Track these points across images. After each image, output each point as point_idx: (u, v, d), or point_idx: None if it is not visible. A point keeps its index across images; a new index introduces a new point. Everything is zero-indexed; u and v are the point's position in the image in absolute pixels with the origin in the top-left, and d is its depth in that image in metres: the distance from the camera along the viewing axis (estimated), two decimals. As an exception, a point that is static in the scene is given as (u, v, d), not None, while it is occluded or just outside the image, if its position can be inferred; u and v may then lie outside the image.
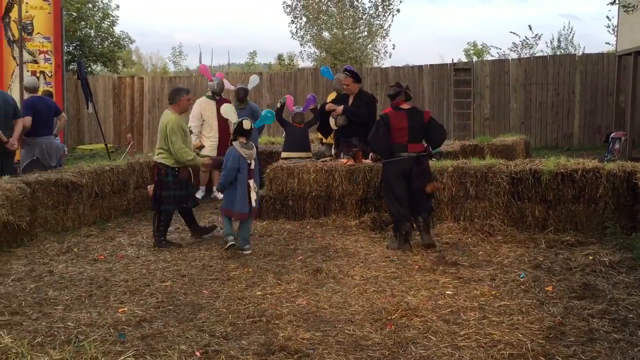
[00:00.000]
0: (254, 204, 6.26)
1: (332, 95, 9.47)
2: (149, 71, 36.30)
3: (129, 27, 42.47)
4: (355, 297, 4.81)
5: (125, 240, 6.83)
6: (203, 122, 9.36)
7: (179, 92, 6.61)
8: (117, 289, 5.05)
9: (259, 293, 4.91)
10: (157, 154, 6.50)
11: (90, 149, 17.24)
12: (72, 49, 20.81)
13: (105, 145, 12.26)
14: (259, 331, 4.13)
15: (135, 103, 18.92)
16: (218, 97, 9.45)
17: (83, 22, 21.28)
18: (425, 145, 6.43)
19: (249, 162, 6.24)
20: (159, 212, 6.49)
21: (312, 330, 4.14)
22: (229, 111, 7.52)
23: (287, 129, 9.05)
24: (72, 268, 5.70)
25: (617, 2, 9.12)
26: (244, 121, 6.39)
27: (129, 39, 23.09)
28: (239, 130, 6.33)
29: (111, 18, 22.18)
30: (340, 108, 7.89)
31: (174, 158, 6.41)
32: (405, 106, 6.34)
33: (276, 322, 4.29)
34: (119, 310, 4.52)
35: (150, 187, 6.63)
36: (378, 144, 6.38)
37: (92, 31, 21.75)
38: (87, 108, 12.08)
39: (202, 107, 9.41)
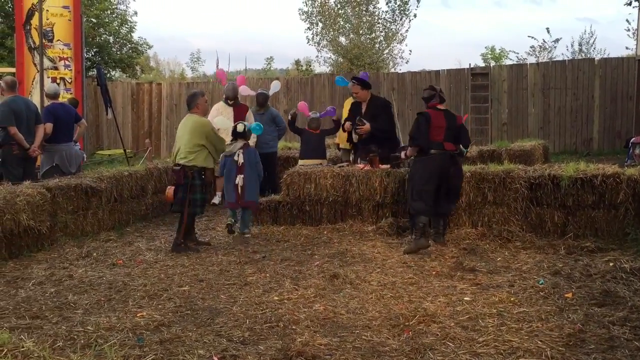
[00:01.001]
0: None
1: (349, 101, 9.46)
2: (166, 77, 36.62)
3: (147, 33, 43.03)
4: (372, 302, 4.80)
5: (144, 245, 6.89)
6: (219, 128, 9.38)
7: (194, 96, 6.81)
8: (135, 294, 5.09)
9: (276, 298, 4.92)
10: (184, 157, 6.54)
11: (109, 155, 17.44)
12: (92, 56, 21.10)
13: (124, 150, 12.38)
14: (276, 336, 4.14)
15: (154, 109, 19.10)
16: (232, 102, 9.39)
17: (102, 29, 21.56)
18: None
19: (236, 159, 7.05)
20: (187, 215, 6.58)
21: (329, 335, 4.14)
22: (219, 121, 7.89)
23: (302, 137, 9.07)
24: (92, 272, 5.76)
25: (632, 4, 9.04)
26: (237, 125, 7.29)
27: (147, 44, 23.37)
28: (234, 133, 7.27)
29: (129, 24, 22.46)
30: (367, 127, 7.70)
31: (218, 149, 6.76)
32: (441, 107, 6.55)
33: (293, 327, 4.29)
34: (138, 315, 4.56)
35: (170, 189, 6.71)
36: (422, 138, 6.42)
37: (110, 37, 22.03)
38: (107, 114, 12.22)
39: (220, 111, 9.42)
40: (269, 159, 9.68)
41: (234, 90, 9.37)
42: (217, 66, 21.06)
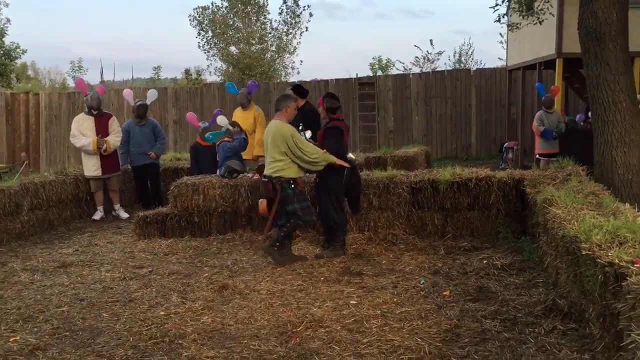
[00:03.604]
0: None
1: (237, 111, 9.44)
2: (47, 86, 34.64)
3: (25, 41, 40.23)
4: (261, 311, 4.80)
5: (19, 265, 6.45)
6: (82, 145, 8.89)
7: (286, 99, 6.23)
8: (8, 317, 4.76)
9: (162, 313, 4.79)
10: (270, 168, 6.04)
11: (-19, 170, 16.15)
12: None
13: (-4, 165, 11.52)
14: (162, 352, 4.04)
15: (31, 120, 17.97)
16: (96, 112, 8.97)
17: (-30, 36, 20.05)
18: None
19: None
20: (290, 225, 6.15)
21: (216, 347, 4.10)
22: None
23: (199, 157, 8.97)
24: (-42, 298, 5.32)
25: (501, 21, 9.81)
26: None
27: (21, 50, 21.94)
28: None
29: (0, 29, 21.02)
30: None
31: (305, 166, 6.06)
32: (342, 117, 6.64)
33: (180, 341, 4.20)
34: (10, 340, 4.28)
35: (263, 203, 6.31)
36: (343, 151, 6.41)
37: (-20, 45, 20.54)
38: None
39: (80, 124, 8.86)
40: (152, 171, 9.43)
41: (98, 100, 8.98)
42: (101, 75, 20.17)
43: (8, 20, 21.81)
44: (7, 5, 30.33)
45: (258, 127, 9.17)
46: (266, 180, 6.12)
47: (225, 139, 8.19)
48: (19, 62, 24.80)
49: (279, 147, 5.97)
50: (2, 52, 21.07)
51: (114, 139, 8.89)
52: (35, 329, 4.51)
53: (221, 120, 8.59)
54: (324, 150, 6.20)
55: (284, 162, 6.02)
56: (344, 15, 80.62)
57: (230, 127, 8.20)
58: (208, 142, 8.89)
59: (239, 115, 9.18)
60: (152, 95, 10.02)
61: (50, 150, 17.93)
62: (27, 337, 4.32)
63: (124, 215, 9.01)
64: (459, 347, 3.97)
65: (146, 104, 9.57)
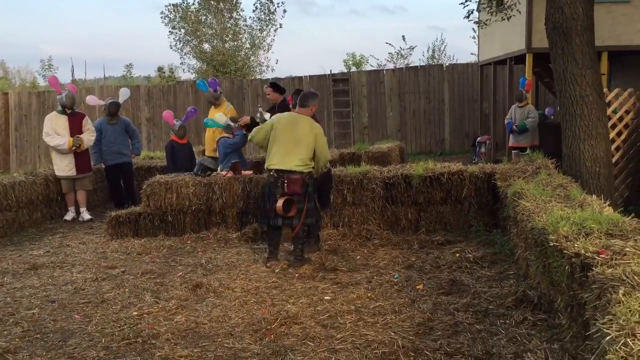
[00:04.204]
0: None
1: (212, 109, 9.38)
2: (17, 85, 34.07)
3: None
4: (235, 309, 4.79)
5: (-12, 268, 6.34)
6: (57, 144, 8.73)
7: (314, 97, 6.11)
8: (-24, 322, 4.68)
9: (135, 313, 4.75)
10: (303, 165, 5.86)
11: (-51, 171, 15.81)
12: None
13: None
14: (134, 353, 4.01)
15: (0, 120, 17.62)
16: (70, 111, 8.84)
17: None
18: None
19: None
20: (302, 225, 5.94)
21: (190, 347, 4.08)
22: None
23: (176, 155, 8.87)
24: None
25: (471, 18, 9.91)
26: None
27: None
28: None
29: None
30: (246, 119, 7.95)
31: (318, 168, 6.02)
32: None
33: (153, 341, 4.18)
34: (-21, 344, 4.20)
35: (282, 202, 5.83)
36: None
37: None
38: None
39: (54, 122, 8.70)
40: (125, 170, 9.34)
41: (73, 99, 8.85)
42: (72, 74, 19.89)
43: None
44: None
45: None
46: (297, 176, 5.86)
47: (225, 135, 8.07)
48: (-14, 61, 24.30)
49: (312, 146, 5.91)
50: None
51: (88, 137, 8.81)
52: (5, 332, 4.44)
53: (220, 117, 8.45)
54: None
55: (310, 161, 5.98)
56: (318, 12, 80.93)
57: (232, 123, 8.00)
58: (180, 139, 8.91)
59: (213, 113, 9.12)
60: (124, 94, 9.89)
61: (20, 151, 17.62)
62: (-4, 341, 4.25)
63: (87, 216, 8.85)
64: (431, 340, 4.01)
65: (118, 102, 9.46)
